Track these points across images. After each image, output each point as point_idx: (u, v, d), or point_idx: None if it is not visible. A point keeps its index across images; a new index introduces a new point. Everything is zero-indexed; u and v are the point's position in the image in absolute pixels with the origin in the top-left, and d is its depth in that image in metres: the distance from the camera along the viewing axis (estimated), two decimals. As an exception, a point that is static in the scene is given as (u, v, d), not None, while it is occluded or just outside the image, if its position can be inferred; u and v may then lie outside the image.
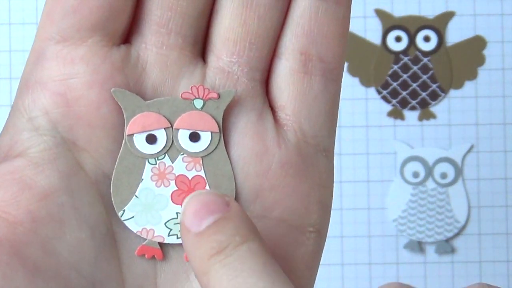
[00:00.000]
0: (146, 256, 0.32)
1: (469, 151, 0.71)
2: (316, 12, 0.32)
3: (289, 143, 0.32)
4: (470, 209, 0.71)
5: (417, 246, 0.71)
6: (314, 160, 0.33)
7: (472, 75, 0.71)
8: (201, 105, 0.31)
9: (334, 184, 0.68)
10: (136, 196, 0.31)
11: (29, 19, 0.71)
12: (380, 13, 0.71)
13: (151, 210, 0.32)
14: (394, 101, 0.71)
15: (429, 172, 0.71)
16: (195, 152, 0.31)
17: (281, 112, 0.32)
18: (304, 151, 0.32)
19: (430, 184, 0.71)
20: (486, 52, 0.71)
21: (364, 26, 0.71)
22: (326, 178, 0.33)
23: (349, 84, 0.71)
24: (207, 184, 0.32)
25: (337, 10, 0.32)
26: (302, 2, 0.32)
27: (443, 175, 0.71)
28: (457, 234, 0.71)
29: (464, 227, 0.71)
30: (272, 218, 0.32)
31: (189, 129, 0.31)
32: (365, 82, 0.71)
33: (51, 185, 0.30)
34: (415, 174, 0.71)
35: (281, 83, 0.32)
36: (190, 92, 0.31)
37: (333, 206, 0.70)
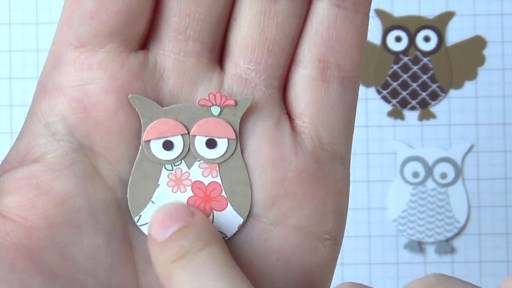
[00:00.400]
0: None
1: (469, 151, 0.71)
2: (335, 20, 0.32)
3: (306, 151, 0.32)
4: (470, 209, 0.71)
5: (417, 246, 0.71)
6: (331, 168, 0.33)
7: (472, 75, 0.71)
8: (218, 112, 0.31)
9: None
10: (152, 201, 0.31)
11: (29, 19, 0.71)
12: (380, 13, 0.71)
13: None
14: (394, 101, 0.71)
15: (429, 172, 0.71)
16: (211, 159, 0.31)
17: (299, 120, 0.32)
18: (321, 159, 0.32)
19: (430, 184, 0.71)
20: (486, 52, 0.71)
21: (364, 26, 0.71)
22: (343, 185, 0.33)
23: (349, 84, 0.71)
24: (223, 191, 0.32)
25: (356, 18, 0.32)
26: (321, 9, 0.32)
27: (443, 175, 0.71)
28: (457, 234, 0.71)
29: (464, 227, 0.71)
30: (288, 225, 0.32)
31: (206, 136, 0.31)
32: (365, 82, 0.71)
33: (68, 190, 0.30)
34: (415, 174, 0.71)
35: (298, 90, 0.32)
36: (208, 99, 0.31)
37: (333, 206, 0.70)
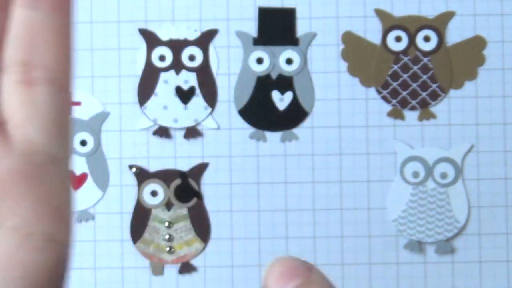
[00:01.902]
0: None
1: (469, 151, 0.71)
2: (31, 22, 0.32)
3: (18, 153, 0.32)
4: (470, 209, 0.71)
5: (417, 246, 0.71)
6: (45, 169, 0.33)
7: (472, 75, 0.71)
8: None
9: (334, 184, 0.68)
10: None
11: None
12: (380, 13, 0.71)
13: None
14: (394, 101, 0.71)
15: (429, 172, 0.71)
16: None
17: (9, 123, 0.32)
18: (34, 160, 0.32)
19: (430, 184, 0.71)
20: (486, 52, 0.71)
21: (364, 26, 0.71)
22: (60, 185, 0.33)
23: (349, 84, 0.71)
24: None
25: (53, 18, 0.32)
26: (16, 14, 0.32)
27: (443, 175, 0.71)
28: (457, 234, 0.71)
29: (464, 227, 0.71)
30: (6, 227, 0.32)
31: None
32: (365, 82, 0.71)
33: None
34: (415, 174, 0.71)
35: (5, 95, 0.32)
36: None
37: (333, 206, 0.70)
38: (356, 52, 0.71)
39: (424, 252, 0.71)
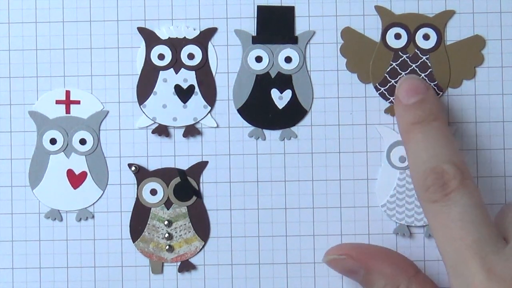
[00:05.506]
0: None
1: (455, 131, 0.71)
2: None
3: None
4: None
5: (407, 231, 0.71)
6: None
7: (470, 75, 0.71)
8: None
9: (334, 182, 0.68)
10: None
11: (29, 19, 0.71)
12: (380, 10, 0.71)
13: None
14: (391, 98, 0.71)
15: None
16: None
17: None
18: None
19: (417, 167, 0.71)
20: (485, 50, 0.71)
21: (364, 22, 0.71)
22: None
23: (348, 81, 0.71)
24: None
25: None
26: None
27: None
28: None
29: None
30: None
31: None
32: (364, 78, 0.71)
33: None
34: (402, 159, 0.71)
35: None
36: None
37: (332, 204, 0.70)
38: (355, 47, 0.71)
39: (414, 236, 0.71)
